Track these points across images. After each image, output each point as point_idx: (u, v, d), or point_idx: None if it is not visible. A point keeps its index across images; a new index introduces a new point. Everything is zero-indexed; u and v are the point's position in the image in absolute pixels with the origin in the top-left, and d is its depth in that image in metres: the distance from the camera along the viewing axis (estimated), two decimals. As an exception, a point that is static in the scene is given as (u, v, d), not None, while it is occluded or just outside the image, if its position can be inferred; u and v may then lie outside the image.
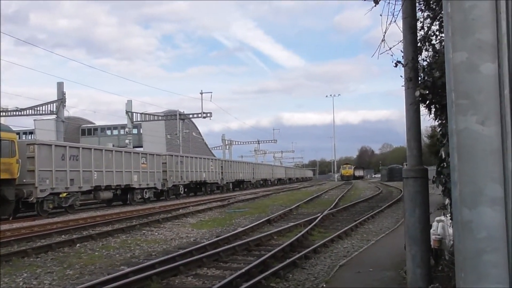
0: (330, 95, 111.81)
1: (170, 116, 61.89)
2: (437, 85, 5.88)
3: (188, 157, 42.88)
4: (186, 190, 42.27)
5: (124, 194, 32.16)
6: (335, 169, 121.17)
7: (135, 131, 63.89)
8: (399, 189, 40.29)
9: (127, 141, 51.58)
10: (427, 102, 6.32)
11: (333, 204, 26.83)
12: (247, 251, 12.70)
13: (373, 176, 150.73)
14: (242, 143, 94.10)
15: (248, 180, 62.28)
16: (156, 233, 17.04)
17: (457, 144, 3.24)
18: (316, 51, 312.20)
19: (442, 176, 6.34)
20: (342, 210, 23.79)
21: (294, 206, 25.92)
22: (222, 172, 50.95)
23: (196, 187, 45.30)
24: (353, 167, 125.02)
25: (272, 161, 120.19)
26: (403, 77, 6.77)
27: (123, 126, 65.24)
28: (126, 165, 31.56)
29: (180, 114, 58.52)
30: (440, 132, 6.54)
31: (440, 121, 6.60)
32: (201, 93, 55.20)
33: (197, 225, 19.23)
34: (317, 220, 18.01)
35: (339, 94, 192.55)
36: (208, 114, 54.39)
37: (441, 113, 6.21)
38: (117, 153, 31.15)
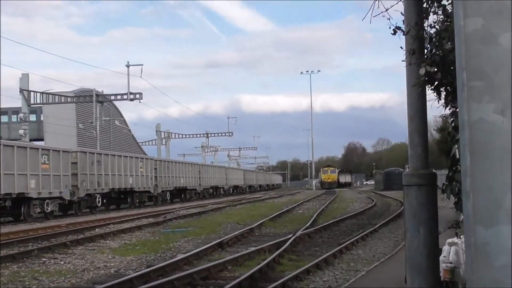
0: (307, 71, 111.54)
1: (84, 98, 61.19)
2: (448, 61, 6.03)
3: (108, 155, 42.50)
4: (105, 201, 41.93)
5: (17, 206, 31.68)
6: (313, 173, 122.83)
7: (33, 117, 62.93)
8: (399, 200, 41.09)
9: (21, 131, 50.77)
10: (436, 83, 6.47)
11: (310, 222, 27.17)
12: (191, 286, 12.74)
13: (365, 182, 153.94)
14: (184, 136, 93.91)
15: (193, 188, 62.26)
16: (62, 262, 16.88)
17: (469, 141, 3.36)
18: (289, 11, 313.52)
19: (455, 183, 6.52)
20: (321, 229, 24.10)
21: (256, 224, 26.09)
22: (156, 177, 50.72)
23: (120, 198, 44.99)
24: (337, 171, 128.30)
25: (227, 162, 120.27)
26: (404, 48, 6.91)
27: (15, 111, 64.13)
28: (19, 166, 31.09)
29: (97, 95, 57.94)
30: (452, 124, 6.71)
31: (452, 109, 6.77)
32: (128, 66, 54.80)
33: (120, 251, 19.14)
34: (287, 244, 18.20)
35: (319, 71, 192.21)
36: (137, 96, 54.07)
37: (454, 98, 6.38)
38: (6, 148, 30.64)
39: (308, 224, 25.84)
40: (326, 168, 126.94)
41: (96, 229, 26.26)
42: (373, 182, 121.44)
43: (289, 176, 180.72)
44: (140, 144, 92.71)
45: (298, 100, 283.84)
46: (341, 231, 24.08)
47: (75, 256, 18.12)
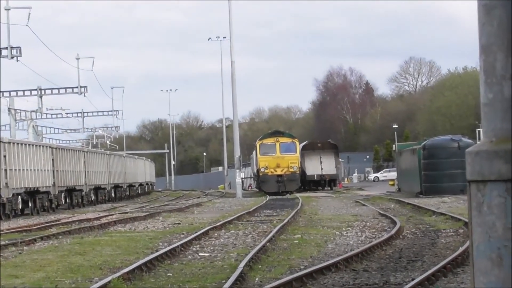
0: None
1: None
2: None
3: None
4: None
5: None
6: (238, 155, 56.35)
7: None
8: (462, 220, 22.43)
9: None
10: None
11: (229, 283, 12.05)
12: None
13: (373, 176, 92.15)
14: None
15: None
16: None
17: None
18: None
19: None
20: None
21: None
22: None
23: None
24: (298, 146, 61.30)
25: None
26: None
27: None
28: None
29: None
30: None
31: None
32: None
33: None
34: None
35: None
36: None
37: None
38: None
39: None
40: (269, 140, 59.44)
41: None
42: (394, 175, 60.43)
43: (174, 161, 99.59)
44: None
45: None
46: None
47: None
